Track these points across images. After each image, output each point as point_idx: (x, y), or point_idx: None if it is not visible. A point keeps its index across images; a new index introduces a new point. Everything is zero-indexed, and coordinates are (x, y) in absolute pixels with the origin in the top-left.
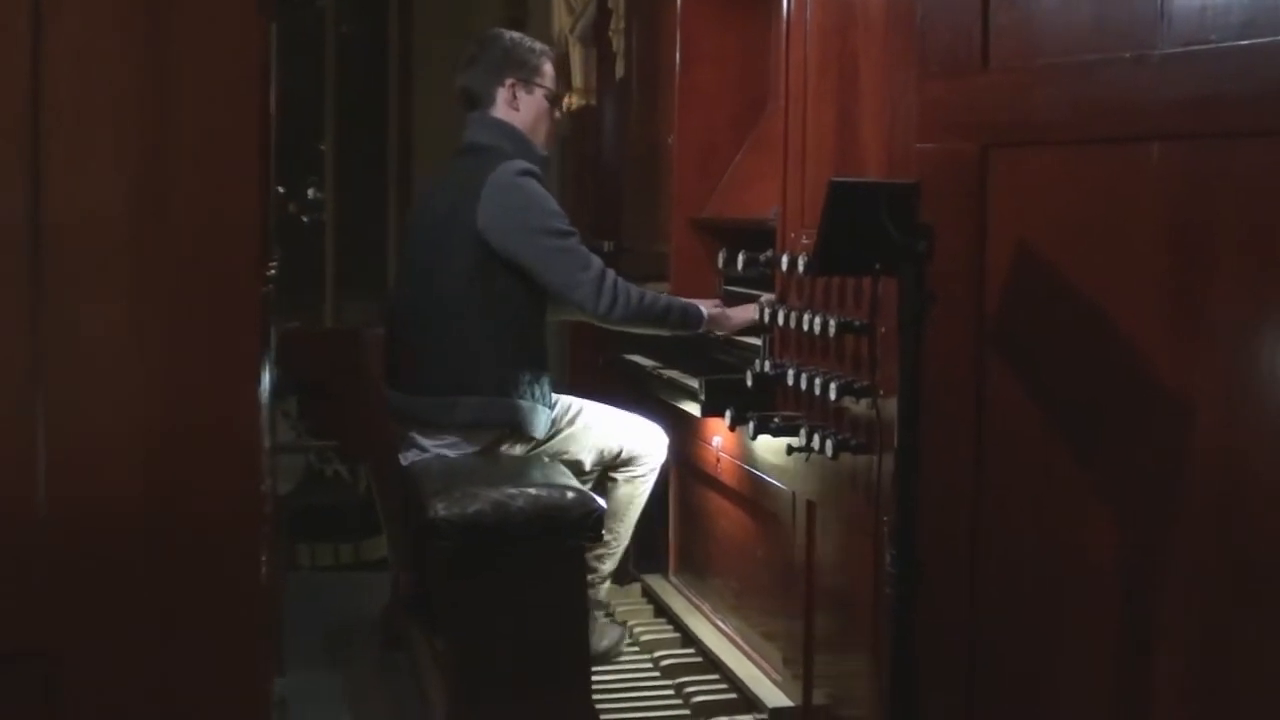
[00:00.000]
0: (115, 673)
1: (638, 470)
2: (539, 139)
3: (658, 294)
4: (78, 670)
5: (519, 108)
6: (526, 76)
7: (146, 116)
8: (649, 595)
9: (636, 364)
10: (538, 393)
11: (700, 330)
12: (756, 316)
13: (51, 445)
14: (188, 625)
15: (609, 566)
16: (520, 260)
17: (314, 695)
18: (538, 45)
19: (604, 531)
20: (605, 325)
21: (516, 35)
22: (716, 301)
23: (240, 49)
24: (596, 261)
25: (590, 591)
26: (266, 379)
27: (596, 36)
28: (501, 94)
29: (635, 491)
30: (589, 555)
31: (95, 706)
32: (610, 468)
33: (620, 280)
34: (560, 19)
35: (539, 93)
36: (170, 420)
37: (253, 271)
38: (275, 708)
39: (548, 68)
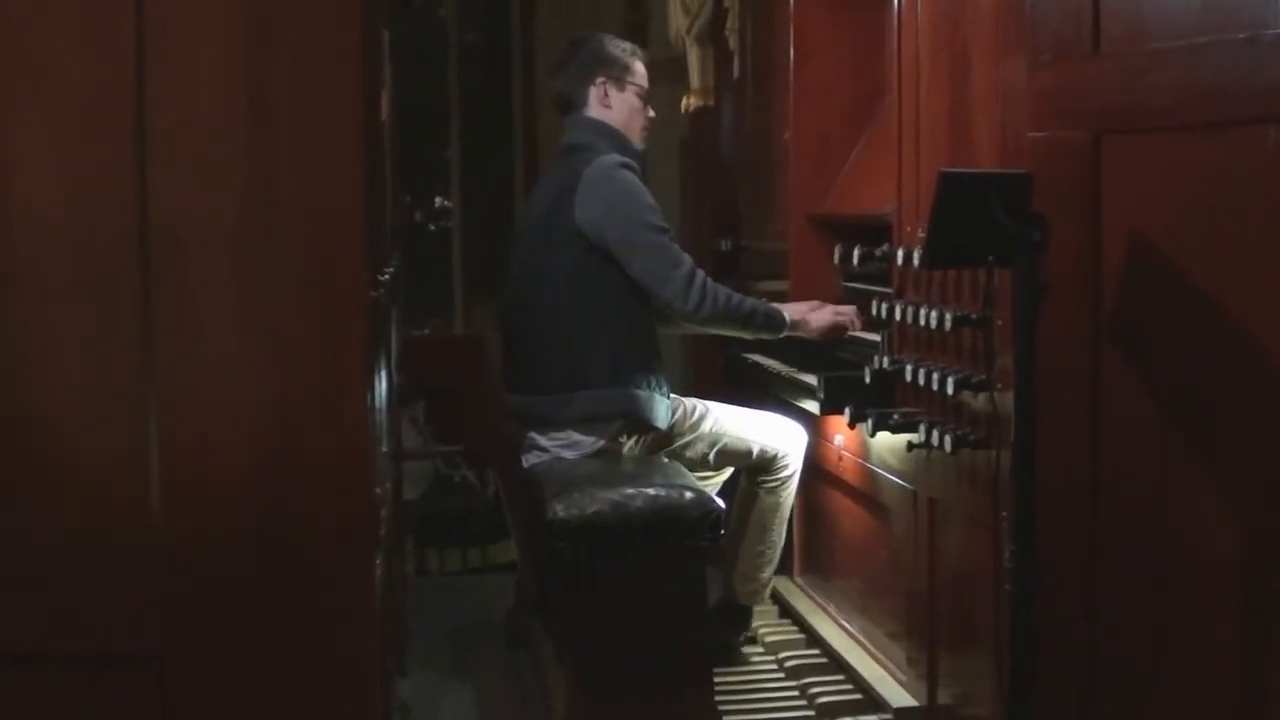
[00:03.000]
0: (227, 675)
1: (778, 478)
2: (633, 135)
3: (744, 296)
4: (190, 672)
5: (611, 105)
6: (617, 75)
7: (250, 123)
8: (774, 597)
9: (756, 363)
10: (653, 381)
11: (784, 334)
12: (838, 320)
13: (164, 450)
14: (300, 629)
15: (768, 574)
16: (614, 251)
17: (439, 697)
18: (627, 44)
19: (757, 543)
20: (690, 324)
21: (605, 36)
22: (813, 304)
23: (343, 55)
24: (687, 260)
25: (754, 599)
26: (383, 384)
27: (713, 36)
28: (593, 93)
29: (779, 500)
30: (747, 566)
31: (206, 708)
32: (750, 473)
33: (709, 280)
34: (677, 20)
35: (630, 90)
36: (281, 425)
37: (359, 276)
38: (398, 710)
39: (638, 66)
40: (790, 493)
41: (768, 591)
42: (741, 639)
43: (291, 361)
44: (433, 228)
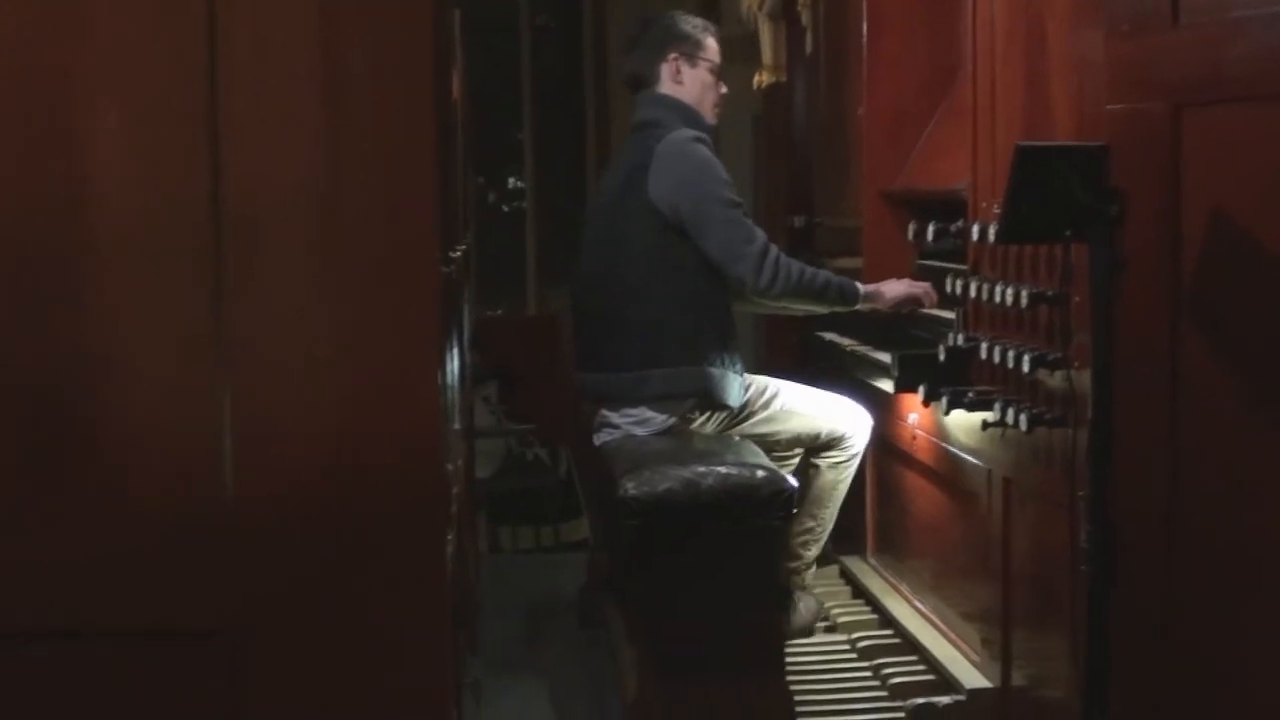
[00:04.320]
0: (299, 652)
1: (841, 455)
2: (705, 111)
3: (816, 270)
4: (264, 650)
5: (683, 81)
6: (689, 51)
7: (322, 102)
8: (847, 577)
9: (830, 341)
10: (726, 360)
11: (857, 306)
12: (912, 292)
13: (236, 428)
14: (372, 605)
15: (813, 552)
16: (688, 226)
17: (511, 674)
18: (699, 20)
19: (808, 518)
20: (763, 301)
21: (678, 13)
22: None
23: (414, 33)
24: (760, 236)
25: (795, 579)
26: (455, 362)
27: (785, 12)
28: (665, 70)
29: (839, 477)
30: (792, 542)
31: (280, 685)
32: (813, 452)
33: (782, 256)
34: None
35: (703, 66)
36: (352, 402)
37: (430, 253)
38: (470, 687)
39: (710, 42)
40: (849, 474)
41: (810, 574)
42: (803, 624)
43: (363, 339)
44: (506, 209)
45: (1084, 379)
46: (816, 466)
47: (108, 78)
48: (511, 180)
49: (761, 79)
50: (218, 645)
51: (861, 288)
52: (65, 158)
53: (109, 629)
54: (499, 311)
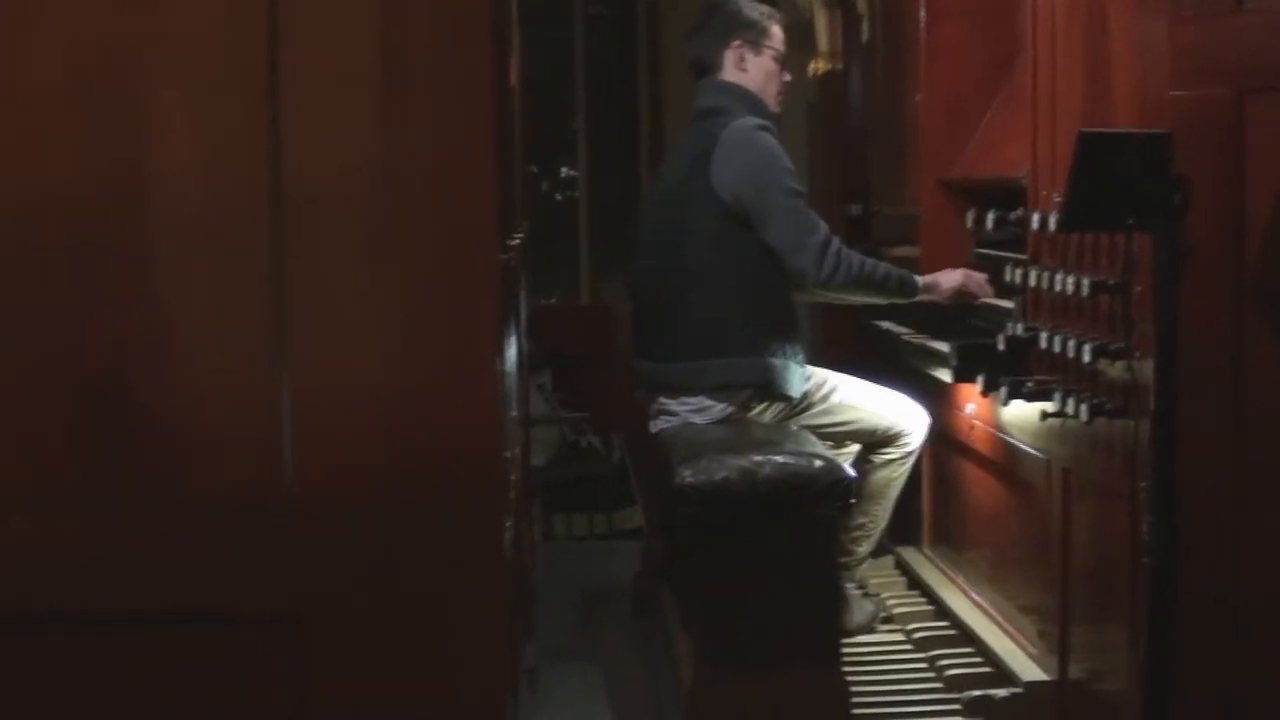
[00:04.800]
0: (361, 635)
1: (896, 452)
2: (768, 99)
3: (876, 262)
4: (323, 634)
5: (747, 69)
6: (754, 38)
7: (382, 87)
8: (902, 568)
9: (887, 331)
10: (787, 350)
11: (916, 297)
12: (970, 282)
13: (296, 412)
14: (431, 592)
15: (865, 549)
16: (750, 215)
17: (566, 660)
18: (764, 7)
19: (860, 514)
20: (823, 292)
21: (743, 0)
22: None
23: (475, 18)
24: (822, 227)
25: (845, 574)
26: (513, 349)
27: None
28: (729, 57)
29: (893, 475)
30: (844, 537)
31: (339, 670)
32: (869, 448)
33: (843, 248)
34: None
35: (767, 54)
36: (412, 388)
37: (490, 239)
38: (526, 672)
39: (775, 29)
40: (904, 471)
41: (860, 569)
42: (860, 625)
43: (422, 325)
44: (559, 197)
45: (1146, 368)
46: (871, 463)
47: (172, 63)
48: (564, 169)
49: (817, 66)
50: (277, 629)
51: (920, 279)
52: (129, 143)
53: (171, 612)
54: (551, 300)
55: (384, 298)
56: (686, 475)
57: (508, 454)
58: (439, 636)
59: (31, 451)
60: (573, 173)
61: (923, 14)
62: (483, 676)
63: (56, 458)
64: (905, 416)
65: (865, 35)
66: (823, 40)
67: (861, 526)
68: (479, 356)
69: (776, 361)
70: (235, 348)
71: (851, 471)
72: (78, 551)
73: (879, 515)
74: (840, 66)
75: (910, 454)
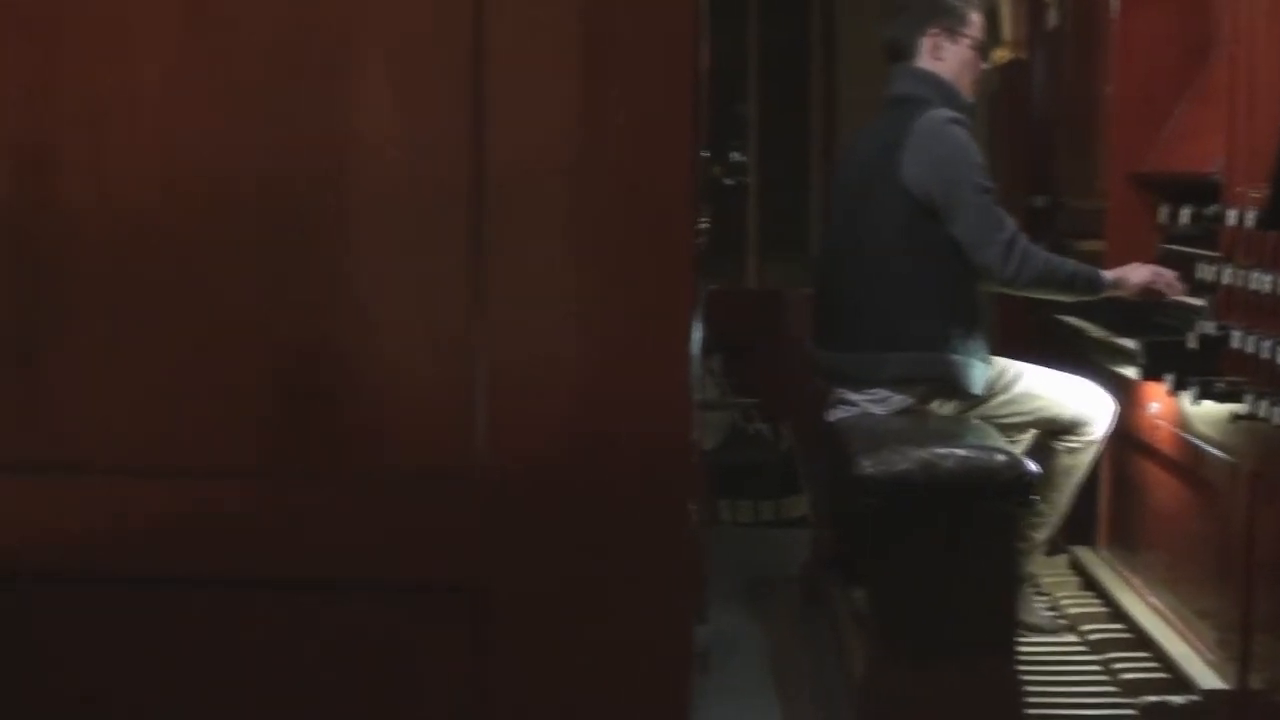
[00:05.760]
0: (546, 611)
1: (1081, 439)
2: (964, 88)
3: (1062, 259)
4: (511, 606)
5: (943, 57)
6: (952, 25)
7: (584, 70)
8: (1076, 568)
9: (1070, 325)
10: (970, 346)
11: (1103, 294)
12: (1157, 278)
13: (491, 390)
14: (616, 569)
15: (1042, 536)
16: (938, 208)
17: (734, 646)
18: None
19: (1039, 500)
20: (1007, 290)
21: None
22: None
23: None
24: (1010, 223)
25: (1021, 560)
26: (696, 334)
27: None
28: (925, 44)
29: (1077, 462)
30: (1020, 523)
31: (525, 642)
32: (1051, 434)
33: (1029, 245)
34: None
35: (964, 42)
36: (606, 369)
37: (688, 225)
38: (699, 657)
39: (974, 17)
40: (1088, 459)
41: (1035, 556)
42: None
43: (618, 305)
44: (729, 182)
45: None
46: (1053, 449)
47: (378, 44)
48: (734, 154)
49: (1000, 55)
50: (464, 601)
51: (1106, 275)
52: (335, 122)
53: (360, 580)
54: (717, 285)
55: (580, 277)
56: (867, 466)
57: (695, 436)
58: (624, 615)
59: (230, 420)
60: (742, 158)
61: (1115, 2)
62: (666, 657)
63: (254, 427)
64: (1090, 404)
65: (1052, 23)
66: (1007, 28)
67: (1039, 513)
68: (673, 339)
69: (958, 359)
70: (433, 323)
71: (1034, 467)
72: (270, 519)
73: (1058, 502)
74: (1024, 55)
75: (1093, 442)
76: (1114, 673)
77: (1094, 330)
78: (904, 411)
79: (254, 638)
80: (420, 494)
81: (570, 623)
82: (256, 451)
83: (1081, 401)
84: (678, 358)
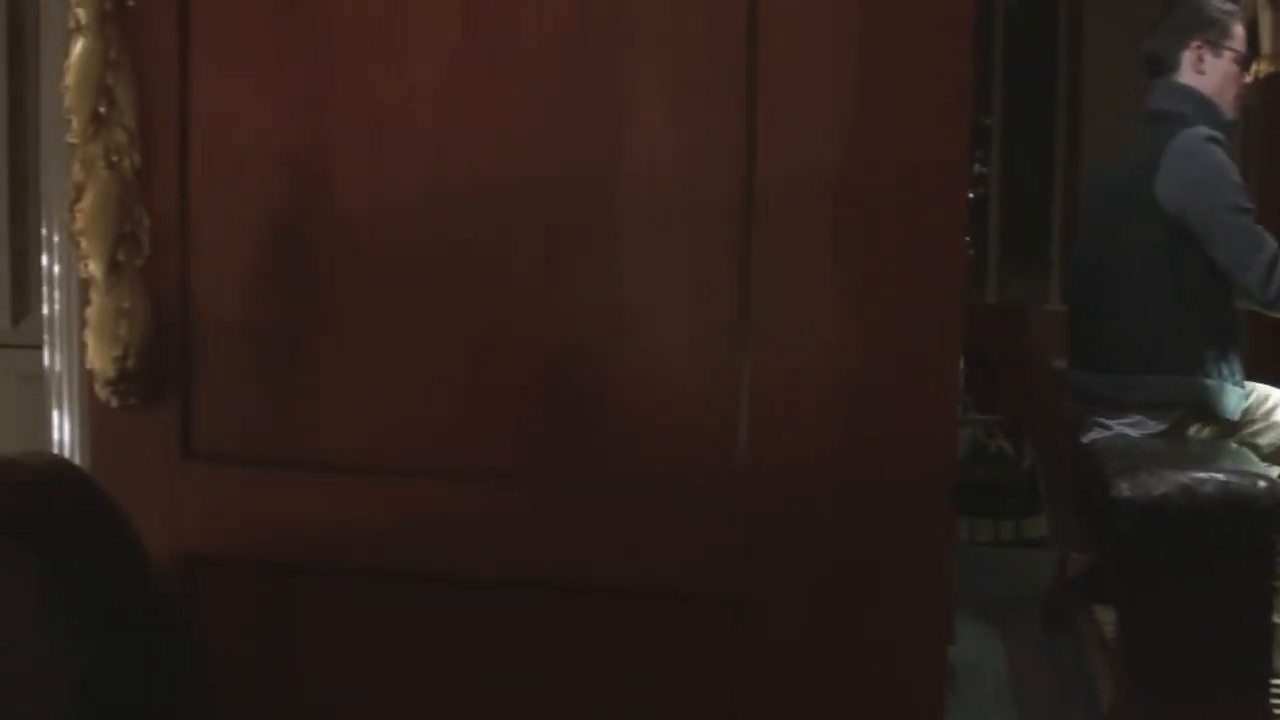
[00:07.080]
0: (804, 623)
1: None
2: (1225, 104)
3: None
4: (769, 616)
5: (1204, 71)
6: (1215, 39)
7: (857, 78)
8: None
9: None
10: (1225, 370)
11: None
12: None
13: (754, 401)
14: (879, 582)
15: None
16: (1195, 230)
17: (977, 667)
18: (1228, 5)
19: None
20: (1269, 313)
21: None
22: None
23: (955, 9)
24: (1270, 245)
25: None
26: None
27: None
28: (1187, 57)
29: None
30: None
31: (783, 653)
32: None
33: None
34: None
35: (1227, 56)
36: (870, 383)
37: (957, 239)
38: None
39: (1238, 29)
40: None
41: None
42: None
43: (885, 321)
44: (971, 195)
45: None
46: None
47: (652, 60)
48: (976, 165)
49: (1259, 68)
50: (719, 611)
51: None
52: (607, 126)
53: (613, 587)
54: None
55: (848, 287)
56: (1124, 488)
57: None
58: (881, 633)
59: (493, 423)
60: (984, 169)
61: None
62: (921, 676)
63: (513, 429)
64: None
65: None
66: (1266, 40)
67: None
68: (940, 356)
69: (1213, 383)
70: (697, 333)
71: None
72: (528, 520)
73: None
74: None
75: None
76: None
77: None
78: (1158, 435)
79: (507, 641)
80: (677, 502)
81: (827, 638)
82: (512, 455)
83: None
84: (946, 376)
